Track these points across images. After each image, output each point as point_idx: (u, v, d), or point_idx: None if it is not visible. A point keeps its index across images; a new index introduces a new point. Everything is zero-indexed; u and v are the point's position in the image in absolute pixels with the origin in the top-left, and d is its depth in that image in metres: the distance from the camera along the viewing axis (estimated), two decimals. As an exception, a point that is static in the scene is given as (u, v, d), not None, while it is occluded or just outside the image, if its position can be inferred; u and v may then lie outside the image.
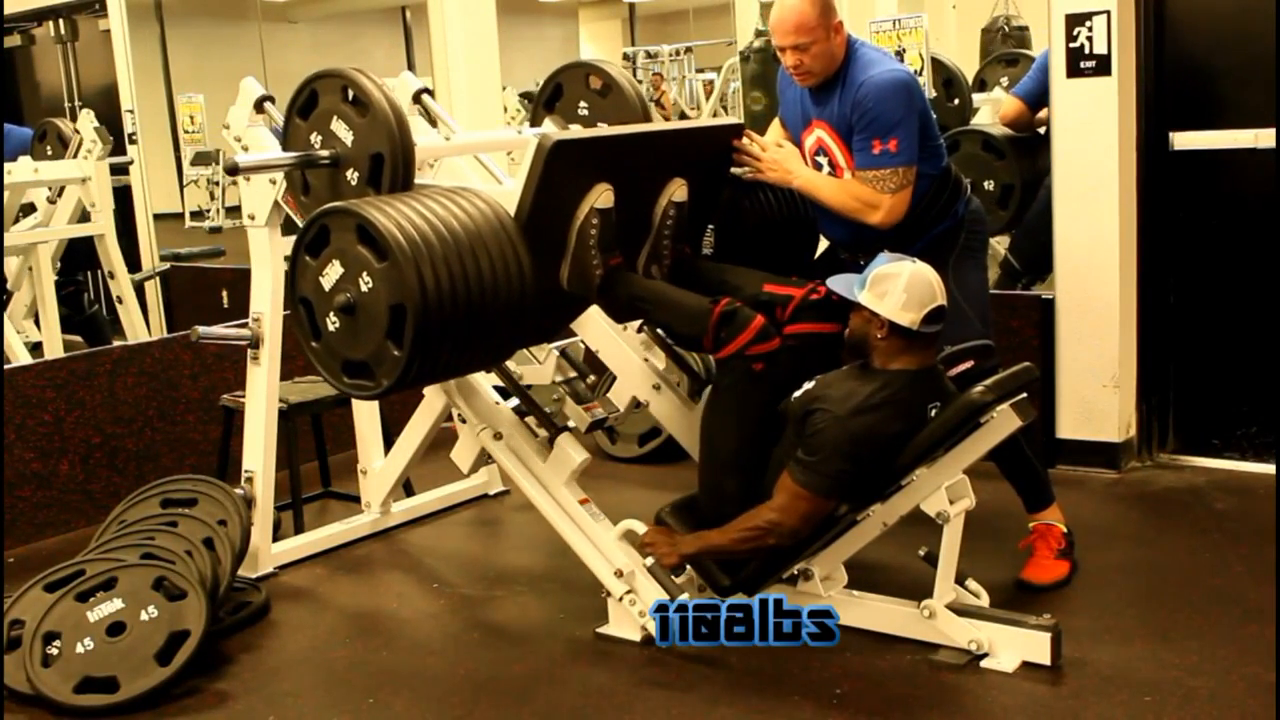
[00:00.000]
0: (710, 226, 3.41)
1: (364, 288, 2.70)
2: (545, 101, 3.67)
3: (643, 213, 3.13)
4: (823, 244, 3.61)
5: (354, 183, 2.98)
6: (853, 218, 3.16)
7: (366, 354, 2.76)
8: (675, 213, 3.14)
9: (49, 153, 5.58)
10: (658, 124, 3.45)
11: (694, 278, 3.19)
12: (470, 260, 2.70)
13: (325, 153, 3.03)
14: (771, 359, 2.89)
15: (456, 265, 2.67)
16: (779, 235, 3.48)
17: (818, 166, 3.26)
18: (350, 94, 2.98)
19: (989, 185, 4.71)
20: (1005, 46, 6.02)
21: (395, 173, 2.92)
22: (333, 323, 2.79)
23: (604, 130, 3.33)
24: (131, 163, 6.26)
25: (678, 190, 3.14)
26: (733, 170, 3.35)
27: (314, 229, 2.80)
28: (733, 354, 2.89)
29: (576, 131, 3.36)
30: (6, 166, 5.08)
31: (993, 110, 5.26)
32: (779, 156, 3.25)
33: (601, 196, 2.95)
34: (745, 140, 3.29)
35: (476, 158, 3.77)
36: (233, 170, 3.05)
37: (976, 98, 5.32)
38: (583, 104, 3.59)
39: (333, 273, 2.76)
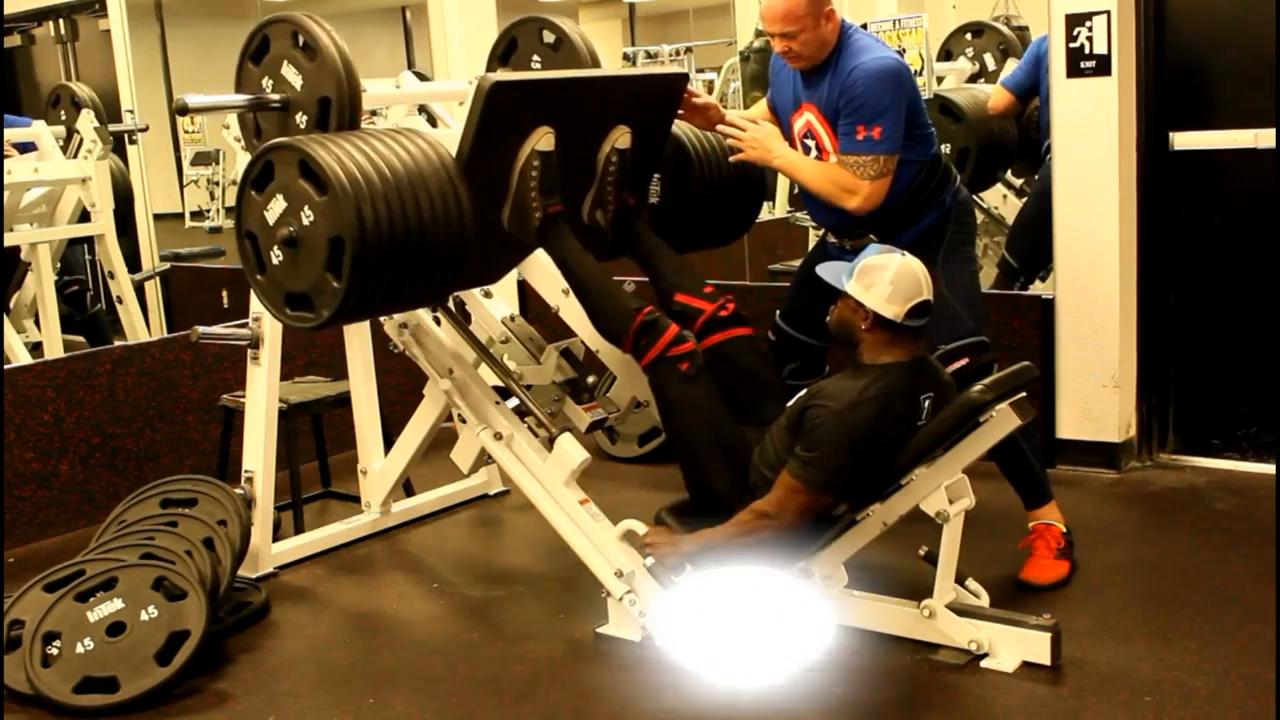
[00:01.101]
0: (656, 176, 3.43)
1: (305, 221, 2.76)
2: (500, 55, 3.71)
3: (586, 159, 3.18)
4: (814, 235, 3.63)
5: (303, 126, 3.05)
6: (829, 202, 3.16)
7: (307, 286, 2.81)
8: (618, 159, 3.18)
9: (63, 117, 5.58)
10: (600, 70, 3.49)
11: (631, 239, 3.27)
12: (410, 197, 2.76)
13: (276, 96, 3.09)
14: (693, 358, 2.97)
15: (395, 201, 2.73)
16: (726, 196, 3.55)
17: (806, 150, 3.26)
18: (300, 39, 3.03)
19: (946, 148, 4.74)
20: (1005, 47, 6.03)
21: (342, 116, 2.98)
22: (276, 256, 2.85)
23: (545, 74, 3.36)
24: (145, 129, 6.25)
25: (621, 137, 3.18)
26: (731, 158, 3.36)
27: (259, 164, 2.86)
28: (655, 359, 2.97)
29: (517, 74, 3.38)
30: (6, 165, 5.08)
31: (956, 78, 5.31)
32: (760, 135, 3.26)
33: (543, 139, 3.00)
34: (728, 117, 3.32)
35: (432, 112, 3.81)
36: (182, 110, 3.11)
37: (941, 66, 5.36)
38: (536, 58, 3.63)
39: (276, 207, 2.82)
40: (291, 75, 3.06)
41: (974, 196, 4.95)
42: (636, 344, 3.00)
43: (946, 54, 5.57)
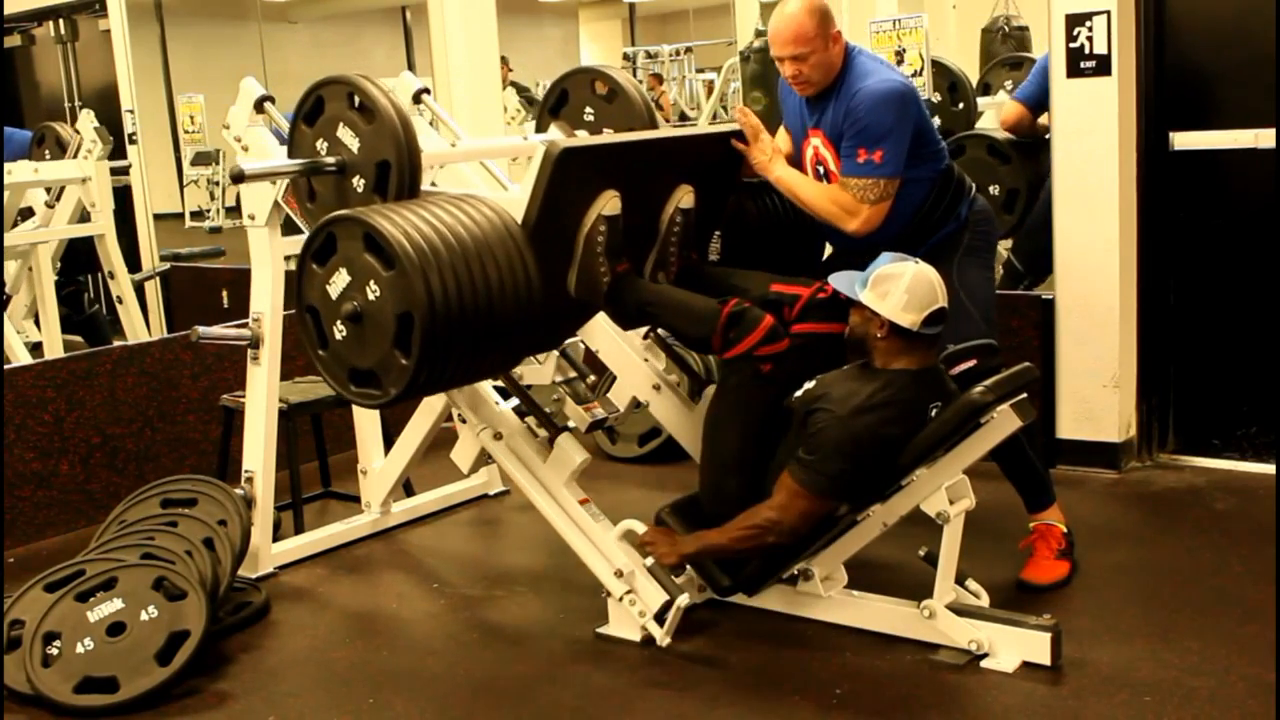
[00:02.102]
0: (717, 233, 3.40)
1: (371, 296, 2.68)
2: (551, 107, 3.67)
3: (650, 219, 3.13)
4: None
5: (360, 190, 2.97)
6: (829, 223, 3.15)
7: (374, 362, 2.74)
8: (682, 220, 3.14)
9: (47, 156, 5.59)
10: (665, 131, 3.44)
11: (701, 284, 3.19)
12: (478, 268, 2.68)
13: (331, 160, 3.01)
14: (779, 359, 2.89)
15: (464, 273, 2.65)
16: (784, 240, 3.48)
17: (818, 177, 3.24)
18: (356, 100, 2.96)
19: (994, 189, 4.71)
20: (1005, 47, 6.02)
21: (401, 180, 2.90)
22: (340, 331, 2.77)
23: (611, 137, 3.32)
24: (130, 166, 6.26)
25: (685, 197, 3.14)
26: (735, 142, 3.33)
27: (321, 237, 2.78)
28: (741, 354, 2.89)
29: (584, 139, 3.35)
30: (6, 167, 5.08)
31: (997, 114, 5.26)
32: (769, 147, 3.24)
33: (609, 204, 2.95)
34: (749, 120, 3.27)
35: (483, 164, 3.77)
36: (238, 178, 3.04)
37: (981, 102, 5.32)
38: (588, 109, 3.58)
39: (340, 281, 2.74)
40: (348, 138, 2.97)
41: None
42: (725, 338, 2.90)
43: (985, 88, 5.53)
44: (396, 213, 2.70)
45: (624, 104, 3.51)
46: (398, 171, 2.90)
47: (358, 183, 2.97)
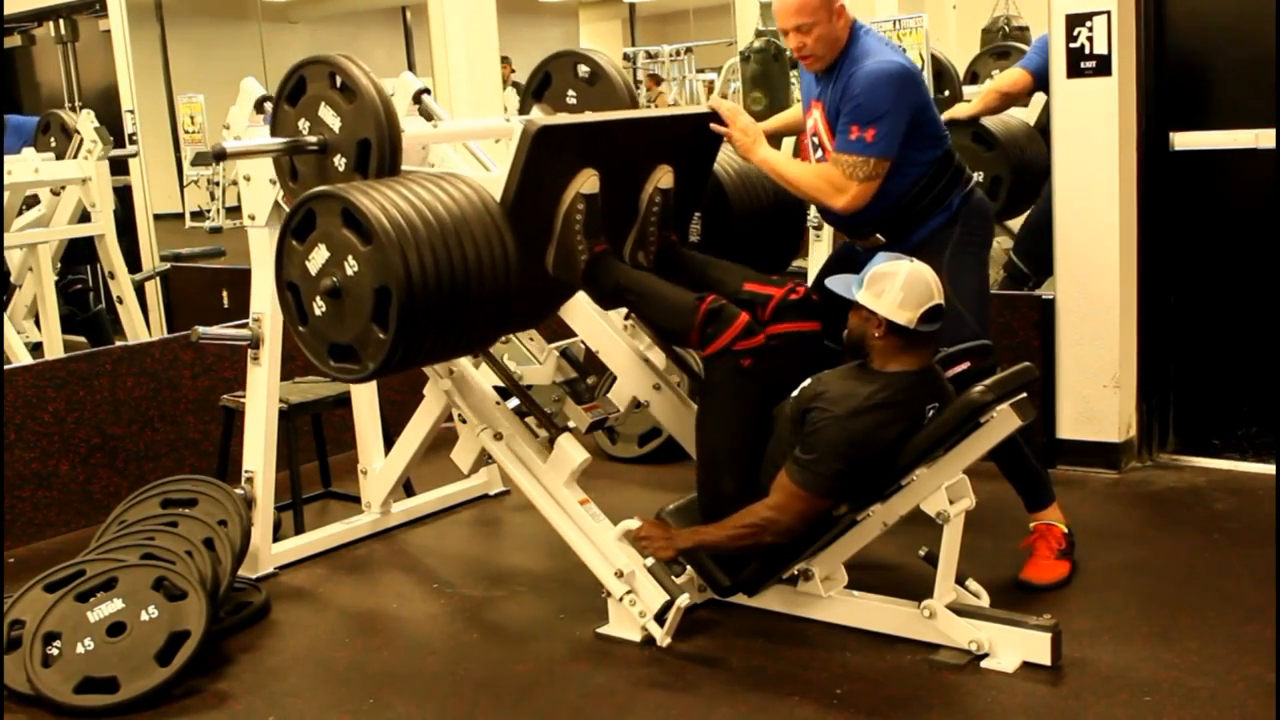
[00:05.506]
0: (697, 214, 3.42)
1: (349, 271, 2.72)
2: (534, 90, 3.70)
3: (629, 199, 3.16)
4: (814, 235, 3.62)
5: (341, 169, 3.00)
6: (816, 200, 3.17)
7: (352, 337, 2.78)
8: (661, 199, 3.16)
9: (52, 144, 5.58)
10: (643, 110, 3.46)
11: (679, 267, 3.22)
12: (455, 244, 2.72)
13: (313, 139, 3.04)
14: (758, 355, 2.91)
15: (441, 249, 2.69)
16: (766, 225, 3.52)
17: (810, 151, 3.27)
18: (338, 80, 3.00)
19: (979, 176, 4.70)
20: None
21: (382, 159, 2.94)
22: (319, 306, 2.81)
23: (590, 116, 3.35)
24: (136, 154, 6.26)
25: (664, 177, 3.16)
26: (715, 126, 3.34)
27: (300, 213, 2.81)
28: (719, 350, 2.91)
29: (562, 117, 3.37)
30: (7, 165, 5.08)
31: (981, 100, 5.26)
32: (750, 128, 3.25)
33: (587, 182, 2.98)
34: (722, 105, 3.30)
35: (468, 148, 3.79)
36: (220, 155, 3.07)
37: (967, 90, 5.32)
38: (571, 92, 3.60)
39: (319, 257, 2.78)
40: (329, 117, 3.00)
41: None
42: (703, 334, 2.93)
43: (973, 76, 5.52)
44: (375, 189, 2.74)
45: (606, 87, 3.53)
46: (378, 150, 2.93)
47: (339, 161, 3.01)
